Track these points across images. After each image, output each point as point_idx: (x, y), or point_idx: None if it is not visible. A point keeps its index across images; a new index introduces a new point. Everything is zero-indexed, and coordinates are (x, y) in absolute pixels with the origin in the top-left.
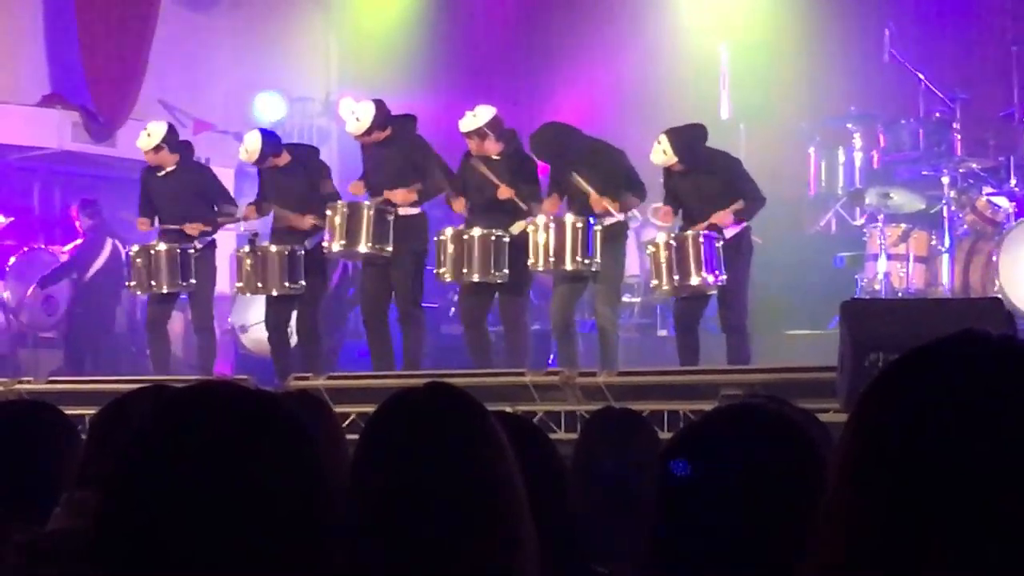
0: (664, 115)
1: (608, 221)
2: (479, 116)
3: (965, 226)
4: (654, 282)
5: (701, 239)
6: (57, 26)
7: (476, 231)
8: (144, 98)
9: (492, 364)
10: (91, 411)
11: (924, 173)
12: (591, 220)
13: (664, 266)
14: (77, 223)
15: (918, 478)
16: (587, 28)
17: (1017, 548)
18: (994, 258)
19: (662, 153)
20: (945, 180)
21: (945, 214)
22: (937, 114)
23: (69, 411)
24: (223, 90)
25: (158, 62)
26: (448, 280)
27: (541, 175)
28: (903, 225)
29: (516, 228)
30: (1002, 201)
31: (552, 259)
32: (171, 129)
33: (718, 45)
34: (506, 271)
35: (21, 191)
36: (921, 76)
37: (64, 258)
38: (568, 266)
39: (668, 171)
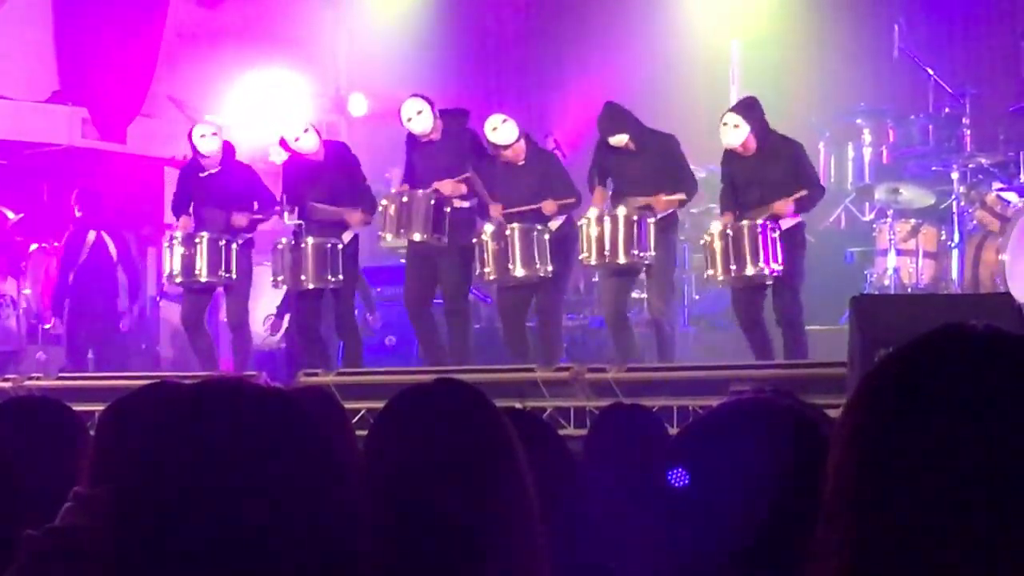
0: (675, 111)
1: (661, 214)
2: (510, 123)
3: (975, 221)
4: (709, 272)
5: (758, 229)
6: (66, 22)
7: (516, 226)
8: (153, 94)
9: (531, 360)
10: (100, 408)
11: (934, 168)
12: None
13: (720, 255)
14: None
15: (903, 474)
16: (596, 24)
17: (995, 538)
18: (1000, 256)
19: (734, 128)
20: (955, 175)
21: (955, 209)
22: (947, 109)
23: (78, 408)
24: (231, 85)
25: (166, 58)
26: (492, 279)
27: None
28: (912, 220)
29: (555, 224)
30: (1012, 196)
31: (606, 252)
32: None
33: (728, 41)
34: (550, 267)
35: (30, 187)
36: (931, 72)
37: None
38: (622, 259)
39: (731, 155)
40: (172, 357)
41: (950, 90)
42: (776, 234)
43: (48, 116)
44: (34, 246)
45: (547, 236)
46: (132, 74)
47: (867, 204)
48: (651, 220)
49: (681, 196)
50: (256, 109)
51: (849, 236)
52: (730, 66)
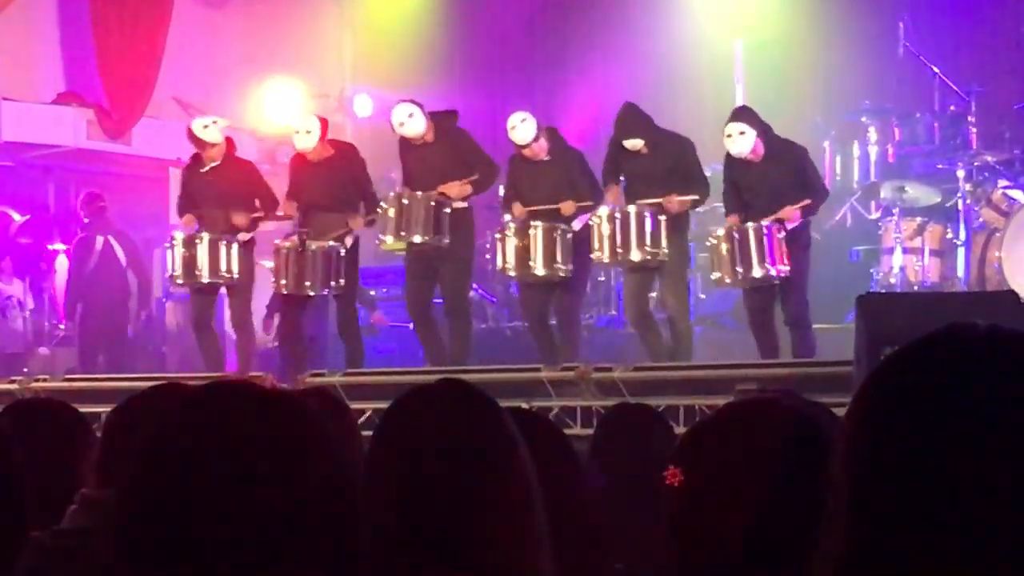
0: (679, 111)
1: (673, 213)
2: (529, 120)
3: (980, 219)
4: (716, 274)
5: (764, 231)
6: (72, 24)
7: (540, 224)
8: (158, 96)
9: (557, 359)
10: (106, 409)
11: (939, 166)
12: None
13: (727, 258)
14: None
15: (906, 473)
16: (602, 23)
17: (996, 535)
18: (997, 253)
19: (740, 136)
20: (960, 173)
21: (960, 207)
22: (952, 107)
23: (85, 409)
24: (237, 86)
25: (172, 59)
26: (513, 275)
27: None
28: (918, 219)
29: (578, 224)
30: (1017, 194)
31: (619, 250)
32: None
33: (733, 41)
34: (570, 266)
35: (37, 189)
36: (936, 69)
37: (63, 260)
38: (635, 256)
39: (734, 161)
40: (177, 358)
41: (956, 88)
42: (782, 235)
43: (54, 117)
44: (60, 247)
45: (570, 236)
46: (137, 75)
47: (873, 202)
48: (662, 218)
49: (693, 197)
50: (261, 110)
51: (855, 234)
52: (734, 66)
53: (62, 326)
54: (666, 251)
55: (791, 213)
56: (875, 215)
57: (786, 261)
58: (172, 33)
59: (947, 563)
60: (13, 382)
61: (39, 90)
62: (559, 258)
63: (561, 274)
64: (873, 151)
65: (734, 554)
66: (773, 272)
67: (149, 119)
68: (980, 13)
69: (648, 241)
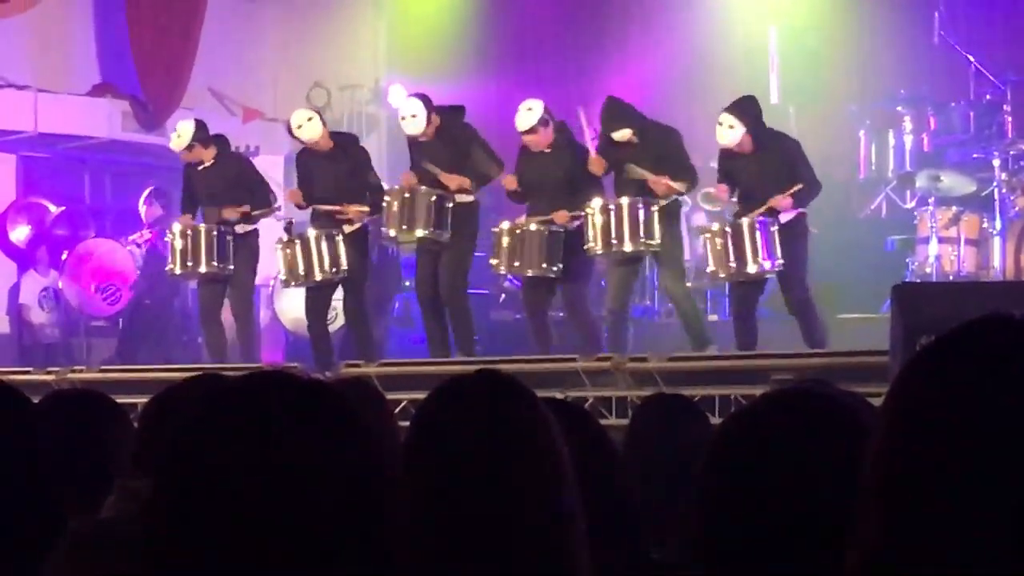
0: (713, 98)
1: (664, 200)
2: (535, 109)
3: (1016, 209)
4: (710, 268)
5: (756, 225)
6: (107, 16)
7: (532, 225)
8: (193, 87)
9: (552, 351)
10: (143, 400)
11: (975, 156)
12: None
13: (720, 252)
14: (142, 211)
15: (940, 463)
16: (636, 11)
17: None
18: None
19: (729, 129)
20: (996, 163)
21: (996, 197)
22: (988, 96)
23: (120, 400)
24: (272, 77)
25: (207, 50)
26: (502, 272)
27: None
28: (954, 208)
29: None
30: None
31: (613, 241)
32: (199, 126)
33: (767, 28)
34: (560, 265)
35: (72, 181)
36: (971, 58)
37: (133, 248)
38: (628, 247)
39: (726, 152)
40: None
41: (991, 77)
42: (775, 228)
43: (89, 109)
44: (104, 242)
45: (562, 233)
46: (173, 67)
47: (908, 192)
48: (655, 208)
49: (682, 187)
50: (297, 100)
51: (890, 224)
52: (768, 53)
53: (100, 322)
54: (659, 241)
55: (781, 202)
56: (910, 204)
57: (779, 254)
58: (207, 24)
59: (984, 554)
60: (50, 373)
61: (74, 82)
62: (548, 259)
63: (551, 274)
64: (908, 140)
65: (768, 543)
66: (767, 266)
67: (184, 110)
68: (1016, 1)
69: (641, 232)
